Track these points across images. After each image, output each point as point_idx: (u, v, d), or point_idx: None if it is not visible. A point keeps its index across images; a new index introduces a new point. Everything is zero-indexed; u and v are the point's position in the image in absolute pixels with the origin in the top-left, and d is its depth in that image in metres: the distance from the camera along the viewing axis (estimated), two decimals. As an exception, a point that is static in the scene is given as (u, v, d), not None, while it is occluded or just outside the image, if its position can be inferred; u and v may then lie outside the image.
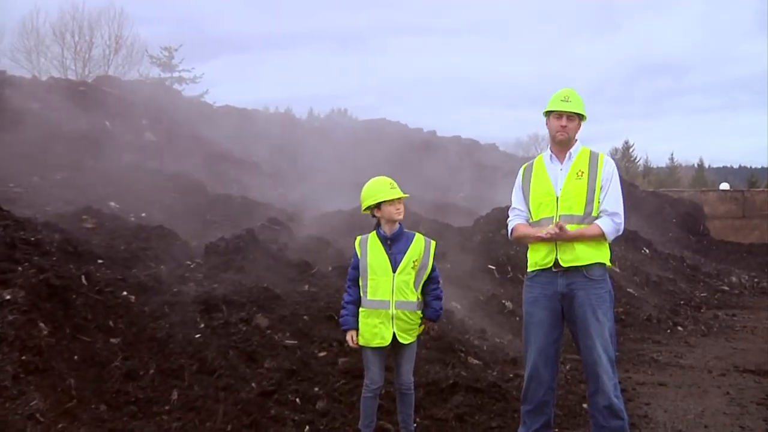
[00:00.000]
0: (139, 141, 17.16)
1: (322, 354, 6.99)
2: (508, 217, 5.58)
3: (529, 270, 5.40)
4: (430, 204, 16.79)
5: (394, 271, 5.34)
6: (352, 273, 5.50)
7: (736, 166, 79.46)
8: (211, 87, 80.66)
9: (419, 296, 5.42)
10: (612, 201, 5.24)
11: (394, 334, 5.33)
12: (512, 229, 5.49)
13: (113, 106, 18.42)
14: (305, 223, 13.55)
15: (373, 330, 5.34)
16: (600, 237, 5.20)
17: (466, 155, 27.07)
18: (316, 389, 6.44)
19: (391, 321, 5.32)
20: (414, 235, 5.50)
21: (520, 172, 5.54)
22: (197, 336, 6.84)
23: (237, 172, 17.91)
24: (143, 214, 12.02)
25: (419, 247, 5.43)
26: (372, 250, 5.40)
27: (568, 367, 8.21)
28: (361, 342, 5.41)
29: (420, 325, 5.48)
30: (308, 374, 6.63)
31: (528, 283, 5.41)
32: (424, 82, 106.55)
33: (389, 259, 5.36)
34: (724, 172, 66.98)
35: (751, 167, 70.52)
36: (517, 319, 9.53)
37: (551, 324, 5.26)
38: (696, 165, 68.13)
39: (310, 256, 10.14)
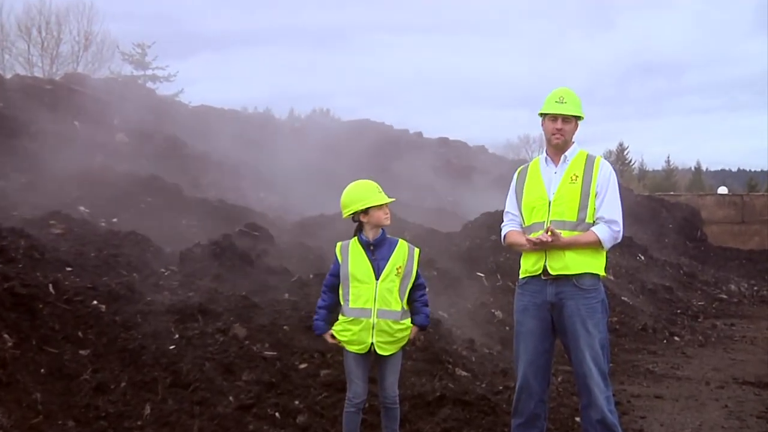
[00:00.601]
0: (110, 142, 17.08)
1: (303, 366, 6.98)
2: (501, 221, 5.60)
3: (520, 277, 5.43)
4: (417, 208, 16.80)
5: (377, 278, 5.34)
6: (329, 279, 5.49)
7: (734, 169, 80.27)
8: (186, 86, 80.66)
9: (405, 305, 5.43)
10: (609, 207, 5.25)
11: (372, 344, 5.32)
12: (505, 235, 5.51)
13: (83, 105, 18.34)
14: (285, 228, 13.54)
15: (356, 337, 5.34)
16: (596, 244, 5.21)
17: (454, 157, 27.14)
18: (297, 403, 6.42)
19: (371, 330, 5.31)
20: (397, 241, 5.51)
21: (515, 175, 5.57)
22: (171, 347, 6.81)
23: (214, 175, 17.87)
24: (115, 219, 11.96)
25: (403, 253, 5.44)
26: (354, 257, 5.40)
27: (560, 378, 8.24)
28: (341, 339, 5.39)
29: (409, 334, 5.46)
30: (288, 387, 6.62)
31: (519, 290, 5.43)
32: (409, 81, 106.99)
33: (372, 265, 5.36)
34: (723, 176, 67.61)
35: (750, 170, 71.34)
36: (507, 328, 9.55)
37: (541, 334, 5.27)
38: (693, 168, 68.72)
39: (290, 263, 10.14)
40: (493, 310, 10.66)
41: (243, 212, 13.55)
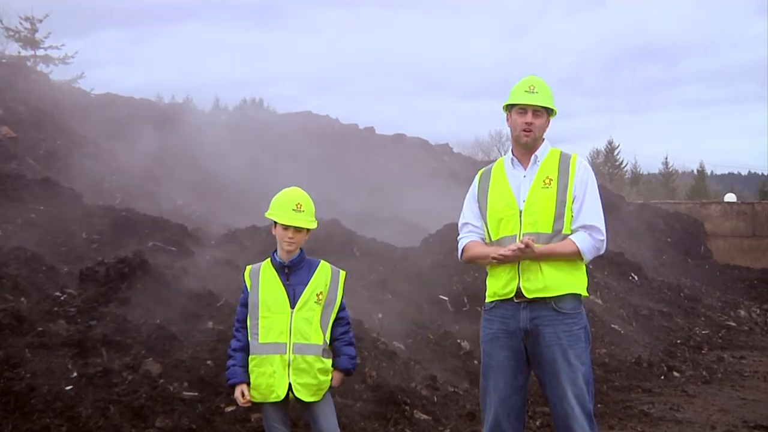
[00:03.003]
0: (-8, 137, 16.87)
1: (229, 409, 6.97)
2: (458, 234, 5.63)
3: (487, 300, 5.45)
4: (367, 218, 16.83)
5: (292, 307, 5.34)
6: (241, 312, 5.48)
7: (744, 172, 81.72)
8: (87, 69, 79.67)
9: (327, 339, 5.42)
10: (589, 213, 5.31)
11: (290, 385, 5.28)
12: (463, 249, 5.54)
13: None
14: (209, 242, 13.48)
15: (269, 380, 5.30)
16: (575, 256, 5.26)
17: (413, 158, 27.24)
18: (222, 454, 6.42)
19: (287, 368, 5.28)
20: (318, 262, 5.51)
21: (476, 179, 5.60)
22: (68, 388, 6.75)
23: (120, 178, 17.72)
24: (-2, 232, 11.82)
25: (324, 277, 5.45)
26: (265, 282, 5.41)
27: (538, 422, 8.32)
28: (256, 397, 5.36)
29: (331, 379, 5.43)
30: (212, 435, 6.60)
31: (486, 317, 5.46)
32: (359, 66, 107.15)
33: (286, 292, 5.36)
34: (730, 180, 68.78)
35: (762, 174, 72.54)
36: (476, 362, 9.61)
37: (514, 368, 5.31)
38: (695, 171, 69.78)
39: (215, 285, 10.09)
40: (458, 341, 10.72)
41: (157, 223, 13.44)
